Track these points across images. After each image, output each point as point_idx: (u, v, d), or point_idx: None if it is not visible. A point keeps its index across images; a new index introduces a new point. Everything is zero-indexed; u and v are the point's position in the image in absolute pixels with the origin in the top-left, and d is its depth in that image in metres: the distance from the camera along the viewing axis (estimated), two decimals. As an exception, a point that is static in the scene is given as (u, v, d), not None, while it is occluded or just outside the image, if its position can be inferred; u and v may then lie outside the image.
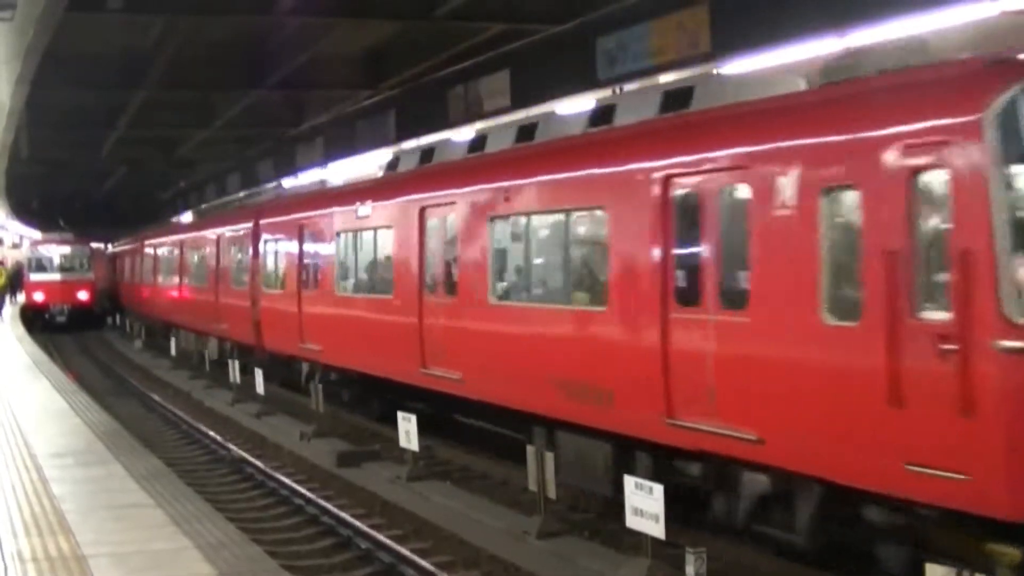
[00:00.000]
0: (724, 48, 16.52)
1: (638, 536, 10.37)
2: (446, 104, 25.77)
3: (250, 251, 25.53)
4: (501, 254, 14.50)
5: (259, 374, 22.17)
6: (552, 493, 12.16)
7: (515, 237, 14.37)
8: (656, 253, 10.84)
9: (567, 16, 20.32)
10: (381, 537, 12.43)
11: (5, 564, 8.72)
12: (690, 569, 9.40)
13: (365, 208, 18.43)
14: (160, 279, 38.54)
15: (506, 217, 14.17)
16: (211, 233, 30.39)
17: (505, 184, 13.96)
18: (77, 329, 46.79)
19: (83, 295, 48.89)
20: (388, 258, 17.55)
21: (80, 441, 14.77)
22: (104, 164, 48.10)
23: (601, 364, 11.76)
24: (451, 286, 15.11)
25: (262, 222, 24.88)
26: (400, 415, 15.19)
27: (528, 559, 11.37)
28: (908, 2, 13.16)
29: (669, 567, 10.33)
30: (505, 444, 15.95)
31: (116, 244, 57.35)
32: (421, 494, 14.56)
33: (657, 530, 9.91)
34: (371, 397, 19.89)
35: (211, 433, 20.33)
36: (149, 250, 41.18)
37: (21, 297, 51.32)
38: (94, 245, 53.32)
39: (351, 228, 19.24)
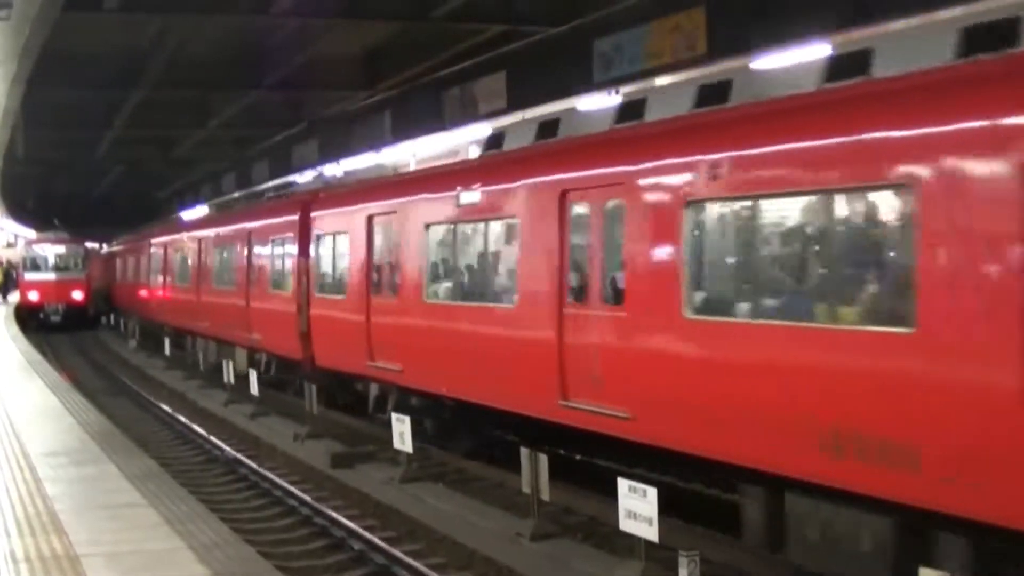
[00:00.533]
0: (721, 51, 16.54)
1: (631, 539, 10.38)
2: (442, 105, 25.79)
3: (295, 248, 21.62)
4: (702, 251, 10.90)
5: (254, 376, 22.18)
6: (546, 495, 12.16)
7: (726, 229, 10.82)
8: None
9: (564, 18, 20.34)
10: (374, 539, 12.43)
11: (-2, 564, 8.71)
12: (683, 572, 9.40)
13: (471, 194, 14.71)
14: (171, 281, 34.71)
15: (708, 202, 10.67)
16: (239, 228, 26.33)
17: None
18: (72, 329, 46.86)
19: (77, 295, 49.04)
20: (509, 257, 14.21)
21: (74, 441, 14.75)
22: (100, 164, 48.12)
23: (906, 408, 8.38)
24: (616, 293, 11.64)
25: (314, 214, 20.82)
26: (394, 416, 15.18)
27: (521, 561, 11.36)
28: (903, 4, 13.18)
29: (663, 570, 10.33)
30: (497, 446, 15.93)
31: (113, 243, 55.33)
32: (415, 496, 14.55)
33: (651, 533, 9.92)
34: (464, 430, 16.45)
35: (205, 434, 20.31)
36: (157, 249, 37.24)
37: (12, 297, 51.43)
38: (89, 245, 53.36)
39: (449, 219, 15.40)
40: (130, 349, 40.17)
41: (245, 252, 25.22)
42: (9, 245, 72.73)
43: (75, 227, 54.16)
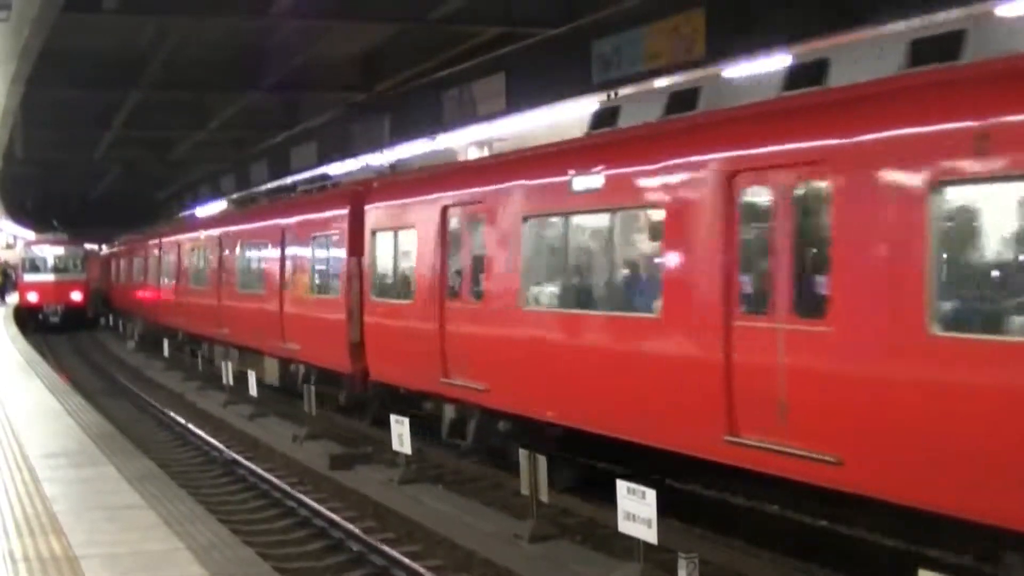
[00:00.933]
0: (719, 53, 16.56)
1: (630, 540, 10.38)
2: (441, 107, 25.81)
3: (344, 246, 18.91)
4: (951, 247, 8.62)
5: (252, 377, 22.10)
6: (544, 497, 12.16)
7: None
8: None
9: (563, 20, 20.37)
10: (373, 540, 12.42)
11: (-3, 565, 8.71)
12: (682, 573, 9.40)
13: (589, 179, 12.18)
14: (185, 283, 32.10)
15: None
16: (270, 224, 23.46)
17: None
18: (70, 330, 46.94)
19: (76, 296, 49.14)
20: (649, 255, 11.84)
21: (73, 442, 14.74)
22: (99, 165, 48.22)
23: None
24: (815, 302, 9.42)
25: (368, 206, 18.11)
26: (393, 417, 15.17)
27: (520, 563, 11.36)
28: (901, 4, 13.20)
29: (661, 572, 10.33)
30: (497, 448, 15.93)
31: (115, 243, 53.76)
32: (413, 497, 14.55)
33: (649, 535, 9.92)
34: (568, 461, 13.84)
35: (204, 435, 20.30)
36: (168, 248, 34.78)
37: (11, 298, 51.53)
38: (88, 246, 53.40)
39: (556, 209, 12.98)
40: (129, 350, 40.16)
41: (278, 251, 22.49)
42: (8, 247, 72.73)
43: (73, 228, 54.23)
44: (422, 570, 11.20)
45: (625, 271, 12.26)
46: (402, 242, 17.08)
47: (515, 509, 13.28)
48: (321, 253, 20.57)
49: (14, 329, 39.07)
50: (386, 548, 12.06)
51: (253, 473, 16.84)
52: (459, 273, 15.00)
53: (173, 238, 34.70)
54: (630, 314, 11.64)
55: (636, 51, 18.55)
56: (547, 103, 20.98)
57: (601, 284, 12.57)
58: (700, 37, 17.02)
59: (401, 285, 17.14)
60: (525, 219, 13.37)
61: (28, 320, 46.33)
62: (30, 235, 58.74)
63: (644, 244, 11.99)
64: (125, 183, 57.15)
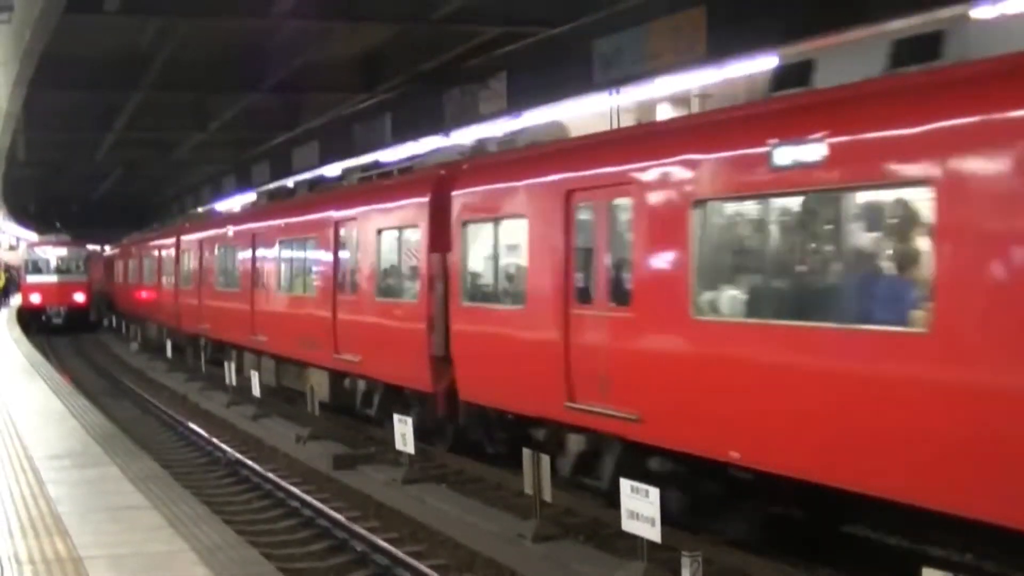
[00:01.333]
0: (721, 51, 16.57)
1: (633, 540, 10.38)
2: (442, 106, 25.82)
3: (424, 240, 16.03)
4: None
5: (255, 377, 22.05)
6: (548, 496, 12.15)
7: None
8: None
9: (564, 19, 20.36)
10: (376, 540, 12.43)
11: (2, 566, 8.72)
12: (686, 573, 9.41)
13: (806, 149, 9.39)
14: (208, 285, 29.13)
15: None
16: (320, 218, 20.54)
17: None
18: (73, 331, 46.99)
19: (79, 297, 49.23)
20: (908, 249, 8.92)
21: (77, 443, 14.77)
22: (100, 167, 48.22)
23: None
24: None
25: (458, 193, 15.16)
26: (396, 417, 15.15)
27: (523, 563, 11.37)
28: (902, 2, 13.19)
29: (665, 571, 10.34)
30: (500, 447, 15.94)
31: (121, 243, 51.43)
32: (416, 497, 14.56)
33: (653, 533, 9.91)
34: (751, 508, 11.09)
35: (207, 435, 20.32)
36: (188, 247, 31.96)
37: (14, 300, 51.62)
38: (90, 247, 53.48)
39: (745, 190, 10.26)
40: (132, 352, 40.18)
41: (330, 248, 19.59)
42: (11, 248, 72.83)
43: (75, 229, 54.33)
44: (426, 570, 11.20)
45: (870, 270, 9.27)
46: (507, 234, 14.27)
47: (518, 509, 13.29)
48: (389, 249, 17.68)
49: (17, 331, 39.13)
50: (390, 548, 12.06)
51: (256, 473, 16.85)
52: (591, 272, 12.26)
53: (194, 236, 31.56)
54: (873, 327, 8.77)
55: (637, 50, 18.56)
56: (549, 102, 20.98)
57: (823, 287, 9.76)
58: (701, 35, 17.02)
59: (505, 287, 14.42)
60: (696, 204, 10.56)
61: (31, 321, 46.40)
62: (33, 237, 58.83)
63: (893, 232, 9.19)
64: (127, 184, 57.20)
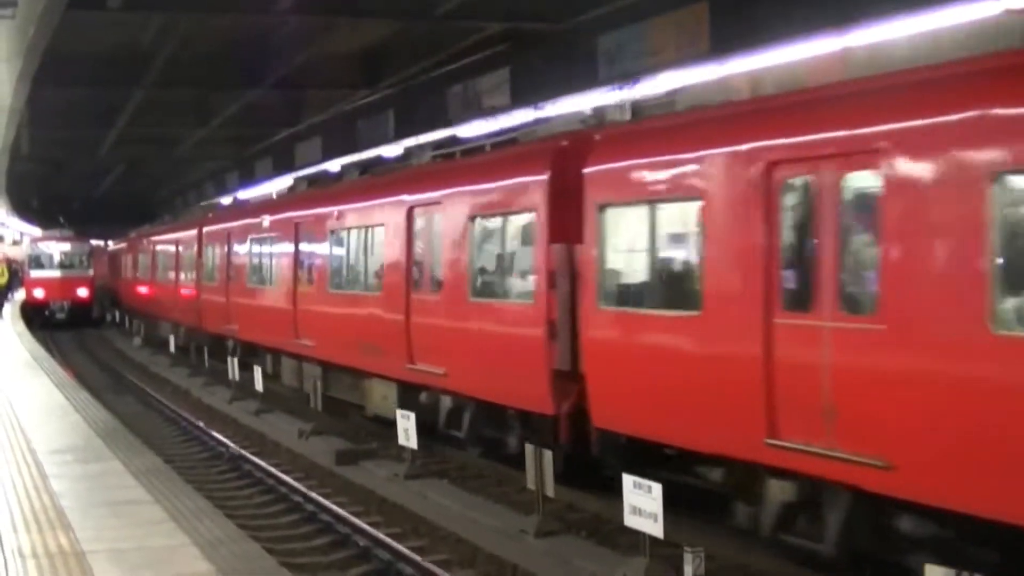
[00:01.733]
0: (723, 47, 16.56)
1: (636, 535, 10.38)
2: (445, 103, 25.83)
3: (541, 229, 13.06)
4: None
5: (257, 372, 22.06)
6: (550, 492, 12.16)
7: None
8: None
9: (567, 15, 20.36)
10: (379, 535, 12.44)
11: (5, 559, 8.74)
12: (688, 568, 9.41)
13: None
14: (239, 282, 26.11)
15: None
16: (388, 202, 17.43)
17: None
18: (77, 326, 47.06)
19: (82, 292, 49.31)
20: None
21: (79, 438, 14.78)
22: (103, 163, 48.25)
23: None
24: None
25: (592, 169, 12.26)
26: (398, 412, 15.15)
27: (525, 558, 11.38)
28: (908, 0, 13.17)
29: (667, 566, 10.34)
30: (501, 443, 15.93)
31: (130, 236, 48.56)
32: (419, 492, 14.57)
33: (655, 529, 9.90)
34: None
35: (210, 430, 20.34)
36: (215, 240, 28.91)
37: (18, 295, 51.69)
38: (93, 242, 53.53)
39: None
40: (135, 347, 40.20)
41: (401, 238, 16.65)
42: (15, 243, 72.89)
43: (78, 225, 54.40)
44: (428, 565, 11.22)
45: None
46: (667, 220, 11.47)
47: (521, 504, 13.31)
48: (488, 240, 14.85)
49: (21, 326, 39.16)
50: (392, 543, 12.08)
51: (259, 468, 16.87)
52: (807, 269, 9.44)
53: (221, 226, 28.53)
54: None
55: (640, 46, 18.56)
56: (552, 98, 20.96)
57: None
58: (704, 30, 17.02)
59: (668, 287, 11.52)
60: (999, 176, 7.70)
61: (34, 317, 46.44)
62: (36, 232, 58.89)
63: None
64: (129, 181, 57.27)
